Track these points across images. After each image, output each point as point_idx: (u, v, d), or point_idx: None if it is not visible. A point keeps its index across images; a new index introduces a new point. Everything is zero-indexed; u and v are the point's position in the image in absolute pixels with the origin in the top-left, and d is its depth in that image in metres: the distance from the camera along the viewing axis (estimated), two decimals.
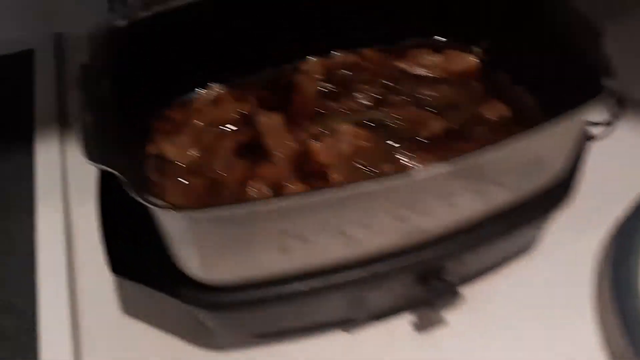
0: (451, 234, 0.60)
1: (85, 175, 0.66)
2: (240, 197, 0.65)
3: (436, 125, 0.71)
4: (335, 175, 0.66)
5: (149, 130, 0.71)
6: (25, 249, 0.74)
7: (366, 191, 0.49)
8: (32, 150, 0.84)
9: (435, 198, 0.55)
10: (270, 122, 0.71)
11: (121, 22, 0.64)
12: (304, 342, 0.69)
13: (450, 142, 0.71)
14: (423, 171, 0.50)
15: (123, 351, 0.69)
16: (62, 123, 0.89)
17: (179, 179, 0.68)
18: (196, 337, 0.69)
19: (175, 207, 0.47)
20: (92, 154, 0.49)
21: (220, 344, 0.69)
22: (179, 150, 0.70)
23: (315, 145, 0.68)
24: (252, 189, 0.65)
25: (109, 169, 0.48)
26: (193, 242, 0.52)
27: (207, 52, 0.72)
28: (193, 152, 0.70)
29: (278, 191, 0.65)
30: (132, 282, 0.59)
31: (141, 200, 0.46)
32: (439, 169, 0.50)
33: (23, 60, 0.95)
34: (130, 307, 0.72)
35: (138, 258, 0.60)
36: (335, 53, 0.79)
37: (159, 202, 0.46)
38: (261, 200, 0.50)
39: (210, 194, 0.66)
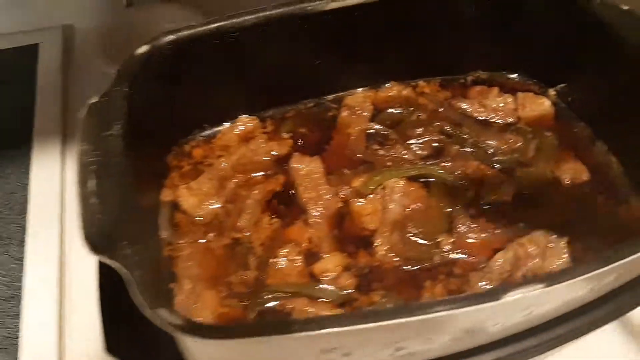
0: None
1: None
2: (266, 265, 0.54)
3: (505, 191, 0.59)
4: (380, 246, 0.55)
5: (163, 171, 0.60)
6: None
7: (441, 317, 0.38)
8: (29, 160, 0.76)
9: (516, 311, 0.44)
10: (306, 171, 0.60)
11: (145, 47, 0.52)
12: None
13: (518, 209, 0.59)
14: (516, 291, 0.39)
15: None
16: (64, 123, 0.81)
17: (196, 239, 0.57)
18: None
19: (200, 331, 0.36)
20: (96, 247, 0.38)
21: None
22: (197, 199, 0.58)
23: (359, 206, 0.57)
24: (281, 258, 0.54)
25: (117, 266, 0.38)
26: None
27: (240, 77, 0.60)
28: (213, 203, 0.59)
29: (311, 260, 0.55)
30: None
31: (153, 320, 0.36)
32: (535, 287, 0.39)
33: (28, 54, 0.87)
34: None
35: (136, 343, 0.49)
36: (386, 85, 0.67)
37: (177, 321, 0.36)
38: (309, 323, 0.39)
39: (231, 259, 0.55)
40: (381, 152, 0.63)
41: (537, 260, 0.53)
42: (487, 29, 0.64)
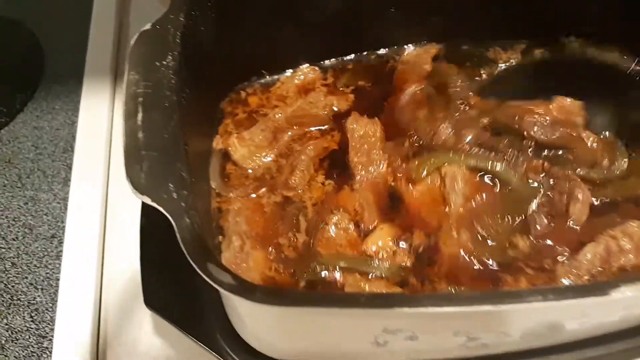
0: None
1: None
2: (316, 230, 0.49)
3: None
4: (447, 247, 0.48)
5: (217, 116, 0.55)
6: None
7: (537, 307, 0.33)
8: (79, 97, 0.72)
9: (615, 310, 0.38)
10: (362, 133, 0.53)
11: None
12: None
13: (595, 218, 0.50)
14: (627, 289, 0.33)
15: None
16: (117, 60, 0.76)
17: (246, 193, 0.52)
18: None
19: (259, 295, 0.31)
20: (139, 186, 0.34)
21: None
22: (248, 150, 0.54)
23: (415, 194, 0.51)
24: (332, 225, 0.49)
25: (161, 209, 0.33)
26: (268, 325, 0.37)
27: (304, 21, 0.55)
28: (265, 156, 0.54)
29: (362, 232, 0.49)
30: (168, 322, 0.46)
31: (204, 275, 0.31)
32: None
33: None
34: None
35: (177, 297, 0.46)
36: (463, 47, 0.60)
37: (231, 280, 0.31)
38: (380, 299, 0.34)
39: (281, 219, 0.50)
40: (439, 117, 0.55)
41: (630, 256, 0.46)
42: None
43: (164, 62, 0.42)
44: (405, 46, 0.60)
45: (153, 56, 0.42)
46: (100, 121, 0.70)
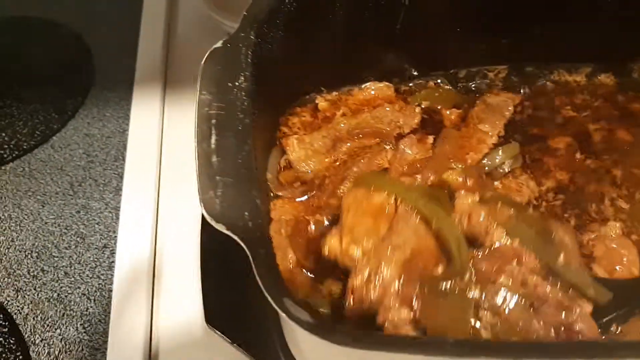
0: None
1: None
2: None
3: None
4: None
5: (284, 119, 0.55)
6: None
7: None
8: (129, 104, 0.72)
9: None
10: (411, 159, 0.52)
11: None
12: None
13: None
14: None
15: None
16: (166, 69, 0.76)
17: (294, 194, 0.52)
18: None
19: (339, 337, 0.30)
20: (217, 217, 0.33)
21: None
22: (304, 153, 0.54)
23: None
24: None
25: (239, 240, 0.33)
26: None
27: (379, 36, 0.54)
28: (320, 162, 0.54)
29: None
30: (230, 343, 0.45)
31: (284, 315, 0.30)
32: None
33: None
34: None
35: (240, 318, 0.45)
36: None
37: (311, 321, 0.31)
38: (465, 346, 0.32)
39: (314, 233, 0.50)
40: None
41: None
42: None
43: (237, 83, 0.41)
44: (480, 68, 0.59)
45: (225, 76, 0.41)
46: (151, 129, 0.70)
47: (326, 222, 0.50)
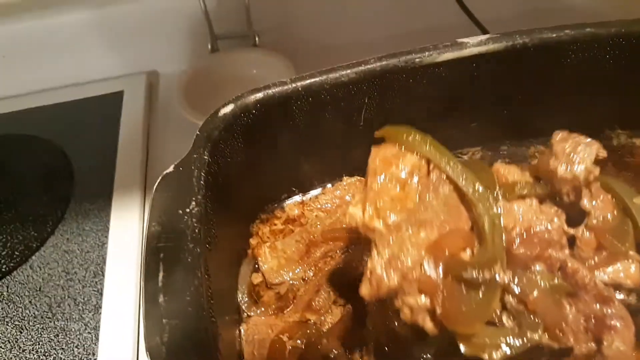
0: None
1: None
2: None
3: None
4: None
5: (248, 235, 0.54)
6: None
7: None
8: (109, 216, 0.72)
9: None
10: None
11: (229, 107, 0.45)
12: None
13: None
14: None
15: None
16: (146, 177, 0.76)
17: (268, 313, 0.50)
18: None
19: None
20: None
21: None
22: (277, 262, 0.52)
23: None
24: None
25: None
26: None
27: (335, 137, 0.53)
28: (293, 271, 0.52)
29: None
30: None
31: None
32: None
33: (113, 102, 0.85)
34: None
35: None
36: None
37: None
38: None
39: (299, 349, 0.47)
40: None
41: None
42: None
43: (188, 210, 0.40)
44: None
45: (175, 204, 0.40)
46: (130, 241, 0.69)
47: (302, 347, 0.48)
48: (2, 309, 0.65)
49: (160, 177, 0.42)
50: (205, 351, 0.33)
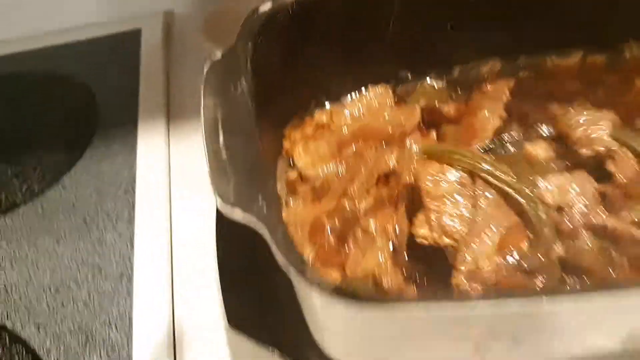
0: None
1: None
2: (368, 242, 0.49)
3: None
4: None
5: (285, 130, 0.57)
6: None
7: None
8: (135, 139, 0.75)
9: None
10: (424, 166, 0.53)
11: (267, 5, 0.48)
12: None
13: None
14: None
15: None
16: (168, 104, 0.79)
17: (305, 201, 0.53)
18: None
19: (366, 299, 0.31)
20: (232, 203, 0.35)
21: None
22: (311, 158, 0.55)
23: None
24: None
25: (256, 223, 0.34)
26: (353, 333, 0.37)
27: (373, 41, 0.56)
28: (327, 166, 0.55)
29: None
30: (257, 344, 0.45)
31: (311, 287, 0.31)
32: None
33: (131, 39, 0.87)
34: None
35: (263, 318, 0.46)
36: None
37: (339, 286, 0.31)
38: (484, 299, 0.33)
39: (337, 229, 0.50)
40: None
41: None
42: None
43: (239, 88, 0.43)
44: (473, 64, 0.61)
45: (227, 82, 0.43)
46: (157, 162, 0.72)
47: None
48: (38, 223, 0.68)
49: (209, 63, 0.45)
50: (269, 195, 0.37)
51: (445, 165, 0.48)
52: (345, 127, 0.57)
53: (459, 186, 0.47)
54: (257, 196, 0.36)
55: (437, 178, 0.48)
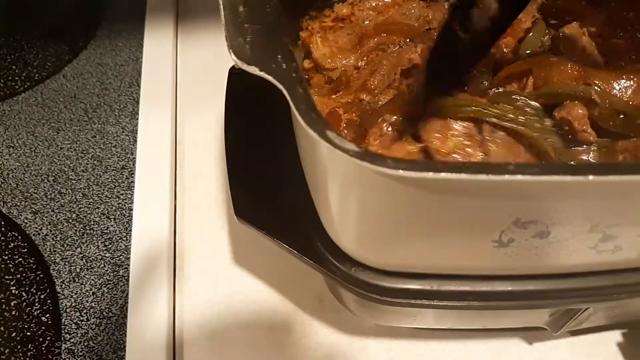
0: None
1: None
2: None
3: None
4: None
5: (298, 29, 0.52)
6: None
7: None
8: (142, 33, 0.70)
9: None
10: None
11: None
12: (441, 344, 0.52)
13: None
14: None
15: None
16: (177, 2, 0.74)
17: (322, 93, 0.49)
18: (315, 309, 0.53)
19: (391, 162, 0.27)
20: (247, 58, 0.31)
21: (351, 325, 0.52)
22: (329, 50, 0.51)
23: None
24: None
25: (273, 80, 0.30)
26: (371, 207, 0.33)
27: None
28: (346, 59, 0.51)
29: None
30: (260, 232, 0.43)
31: (330, 146, 0.28)
32: None
33: None
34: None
35: (270, 208, 0.43)
36: None
37: (358, 149, 0.28)
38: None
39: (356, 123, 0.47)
40: None
41: None
42: None
43: None
44: None
45: None
46: (164, 55, 0.68)
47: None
48: (37, 112, 0.64)
49: None
50: (287, 52, 0.33)
51: (448, 120, 0.43)
52: (369, 17, 0.52)
53: (466, 137, 0.43)
54: (276, 54, 0.33)
55: (443, 134, 0.43)
